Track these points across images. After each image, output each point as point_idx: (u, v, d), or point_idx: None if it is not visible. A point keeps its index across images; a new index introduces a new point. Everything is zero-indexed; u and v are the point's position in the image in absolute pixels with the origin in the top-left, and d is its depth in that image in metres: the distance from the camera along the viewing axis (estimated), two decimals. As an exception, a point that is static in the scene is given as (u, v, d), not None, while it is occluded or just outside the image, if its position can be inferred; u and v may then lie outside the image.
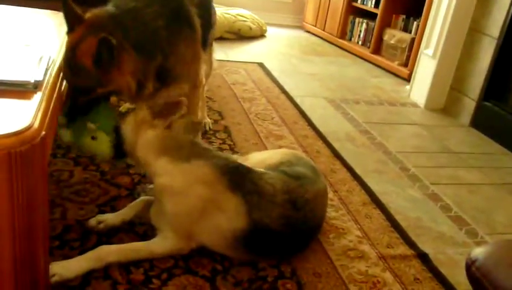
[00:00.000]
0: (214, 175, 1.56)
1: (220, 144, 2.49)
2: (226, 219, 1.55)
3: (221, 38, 4.81)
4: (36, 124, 1.16)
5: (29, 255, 1.21)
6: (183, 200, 1.55)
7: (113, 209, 1.78)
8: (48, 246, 1.29)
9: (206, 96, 3.06)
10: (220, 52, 4.33)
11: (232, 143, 2.51)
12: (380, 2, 4.67)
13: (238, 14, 5.06)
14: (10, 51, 1.52)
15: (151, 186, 1.86)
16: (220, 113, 2.88)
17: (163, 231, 1.58)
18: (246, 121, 2.85)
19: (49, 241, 1.29)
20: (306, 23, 5.86)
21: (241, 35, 4.99)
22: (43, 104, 1.29)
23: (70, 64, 1.60)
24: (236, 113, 2.95)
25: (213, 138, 2.54)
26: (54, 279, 1.37)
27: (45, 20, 2.10)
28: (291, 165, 1.79)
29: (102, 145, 1.62)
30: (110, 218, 1.68)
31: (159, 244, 1.57)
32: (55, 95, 1.43)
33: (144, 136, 1.60)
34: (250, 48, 4.77)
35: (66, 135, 1.65)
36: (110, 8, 1.75)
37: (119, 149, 1.62)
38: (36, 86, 1.33)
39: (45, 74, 1.42)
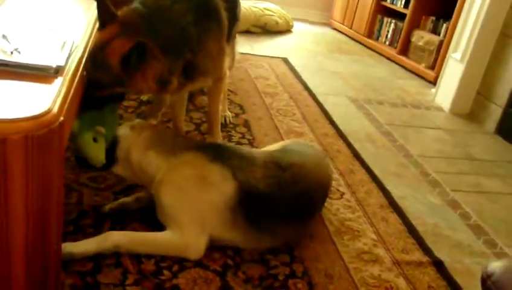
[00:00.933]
0: (194, 154, 1.63)
1: (240, 138, 2.48)
2: (216, 191, 1.57)
3: (247, 32, 4.80)
4: (55, 109, 1.16)
5: (42, 239, 1.21)
6: (176, 188, 1.58)
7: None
8: (62, 230, 1.30)
9: (228, 90, 3.06)
10: (246, 46, 4.32)
11: (251, 138, 2.50)
12: (409, 2, 4.58)
13: (265, 8, 5.03)
14: (34, 35, 1.53)
15: None
16: (241, 107, 2.87)
17: (170, 227, 1.57)
18: (266, 116, 2.83)
19: (62, 226, 1.30)
20: (333, 20, 5.80)
21: (267, 29, 4.96)
22: (64, 89, 1.29)
23: (96, 59, 1.60)
24: (257, 107, 2.93)
25: (233, 131, 2.53)
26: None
27: (73, 5, 2.11)
28: (287, 146, 1.88)
29: (100, 150, 1.63)
30: (125, 199, 1.74)
31: (167, 237, 1.56)
32: (76, 81, 1.44)
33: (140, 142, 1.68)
34: (276, 43, 4.74)
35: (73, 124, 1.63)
36: (139, 6, 1.74)
37: (110, 158, 1.67)
38: (57, 71, 1.34)
39: (67, 60, 1.43)
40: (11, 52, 1.34)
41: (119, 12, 1.70)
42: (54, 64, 1.33)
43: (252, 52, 4.16)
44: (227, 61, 2.15)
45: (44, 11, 1.99)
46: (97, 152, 1.62)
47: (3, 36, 1.39)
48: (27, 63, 1.31)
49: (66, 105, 1.26)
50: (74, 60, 1.49)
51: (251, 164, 1.63)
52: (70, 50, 1.50)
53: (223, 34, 2.02)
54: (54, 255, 1.28)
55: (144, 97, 2.64)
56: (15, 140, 1.06)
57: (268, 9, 5.05)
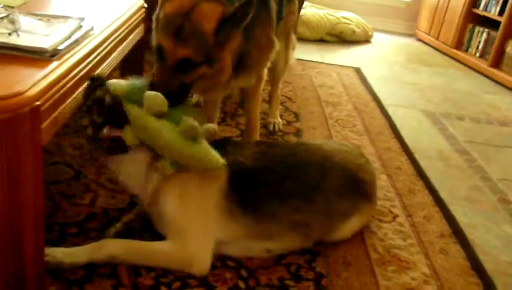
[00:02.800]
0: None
1: (287, 147, 2.24)
2: (207, 179, 1.40)
3: (321, 41, 4.57)
4: (30, 93, 1.03)
5: (13, 238, 1.08)
6: (177, 193, 1.39)
7: (146, 203, 1.64)
8: (42, 230, 1.16)
9: (286, 96, 2.87)
10: (316, 54, 4.09)
11: (300, 147, 2.26)
12: (505, 9, 4.09)
13: (342, 17, 4.76)
14: (48, 20, 1.43)
15: None
16: (296, 115, 2.64)
17: (172, 237, 1.38)
18: (323, 125, 2.58)
19: (43, 226, 1.15)
20: (419, 30, 5.39)
21: (343, 38, 4.68)
22: (55, 74, 1.17)
23: (181, 30, 1.42)
24: (314, 116, 2.68)
25: (279, 140, 2.31)
26: (46, 258, 1.22)
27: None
28: None
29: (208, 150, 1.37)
30: (128, 217, 1.51)
31: (169, 248, 1.36)
32: (82, 67, 1.32)
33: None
34: (350, 52, 4.45)
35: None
36: None
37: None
38: (54, 54, 1.22)
39: (71, 44, 1.31)
40: (9, 34, 1.24)
41: None
42: (50, 47, 1.21)
43: (321, 61, 3.91)
44: (269, 61, 1.93)
45: (83, 1, 1.92)
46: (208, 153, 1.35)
47: (9, 18, 1.30)
48: (20, 45, 1.20)
49: (53, 90, 1.13)
50: (85, 46, 1.38)
51: (242, 148, 1.51)
52: (82, 36, 1.39)
53: (272, 25, 1.82)
54: (31, 257, 1.14)
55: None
56: (-29, 122, 0.93)
57: (345, 18, 4.77)
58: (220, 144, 1.43)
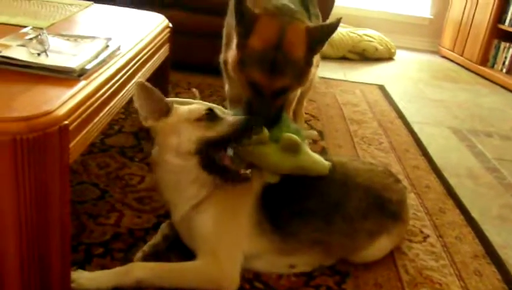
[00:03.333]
0: None
1: (312, 165, 2.21)
2: (243, 192, 1.39)
3: (343, 58, 4.55)
4: (59, 112, 1.03)
5: (39, 257, 1.07)
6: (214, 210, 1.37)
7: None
8: (69, 250, 1.15)
9: (310, 114, 2.84)
10: (339, 72, 4.07)
11: (325, 166, 2.22)
12: (531, 24, 4.03)
13: (364, 34, 4.75)
14: (76, 40, 1.45)
15: None
16: (320, 133, 2.61)
17: (202, 254, 1.35)
18: (348, 143, 2.54)
19: (70, 247, 1.14)
20: (442, 47, 5.33)
21: (366, 56, 4.66)
22: (83, 93, 1.17)
23: (275, 64, 1.45)
24: (339, 134, 2.65)
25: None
26: (72, 285, 1.21)
27: (138, 19, 2.05)
28: None
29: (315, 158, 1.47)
30: (155, 240, 1.49)
31: (198, 266, 1.33)
32: (109, 86, 1.32)
33: None
34: (373, 70, 4.42)
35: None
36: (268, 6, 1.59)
37: None
38: (81, 74, 1.22)
39: (98, 64, 1.31)
40: (38, 54, 1.26)
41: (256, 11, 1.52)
42: (77, 66, 1.22)
43: (344, 79, 3.89)
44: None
45: (109, 21, 1.95)
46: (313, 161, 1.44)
47: (38, 39, 1.32)
48: (48, 65, 1.21)
49: (81, 109, 1.14)
50: (112, 66, 1.39)
51: None
52: (109, 56, 1.40)
53: None
54: (58, 275, 1.13)
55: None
56: (1, 141, 0.93)
57: (368, 36, 4.75)
58: None
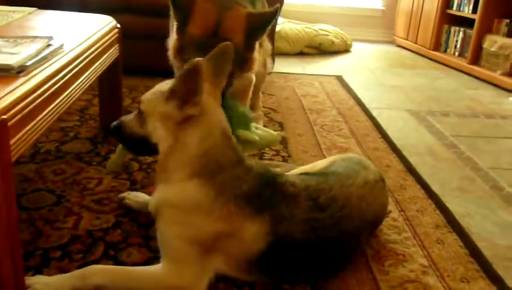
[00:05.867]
0: (230, 204, 1.24)
1: (273, 155, 2.21)
2: (243, 246, 1.24)
3: (301, 54, 4.59)
4: (-5, 107, 1.00)
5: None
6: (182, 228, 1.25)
7: (132, 221, 1.59)
8: (20, 253, 1.11)
9: (269, 108, 2.85)
10: (297, 67, 4.10)
11: (286, 154, 2.23)
12: (478, 6, 4.15)
13: (320, 29, 4.80)
14: (16, 40, 1.41)
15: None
16: (280, 124, 2.62)
17: (165, 259, 1.26)
18: (308, 132, 2.55)
19: (21, 248, 1.11)
20: (397, 36, 5.44)
21: (323, 50, 4.71)
22: (23, 89, 1.14)
23: (214, 47, 1.36)
24: (299, 124, 2.66)
25: (266, 149, 2.27)
26: (26, 292, 1.16)
27: (83, 22, 2.02)
28: (331, 166, 1.49)
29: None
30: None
31: (160, 274, 1.25)
32: (52, 83, 1.29)
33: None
34: (331, 62, 4.47)
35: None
36: None
37: None
38: (20, 71, 1.19)
39: (39, 61, 1.28)
40: (-26, 54, 1.22)
41: None
42: (16, 64, 1.19)
43: (303, 72, 3.92)
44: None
45: (53, 24, 1.91)
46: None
47: (-26, 40, 1.28)
48: (-16, 63, 1.17)
49: (21, 105, 1.10)
50: (55, 63, 1.35)
51: (294, 206, 1.27)
52: (51, 54, 1.37)
53: None
54: (10, 289, 1.08)
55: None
56: None
57: (323, 30, 4.81)
58: (269, 199, 1.27)
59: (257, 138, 1.53)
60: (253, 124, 1.57)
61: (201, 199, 1.23)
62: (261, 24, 1.52)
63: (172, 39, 1.53)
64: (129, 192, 1.70)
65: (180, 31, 1.47)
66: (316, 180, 1.35)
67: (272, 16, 1.52)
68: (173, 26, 1.76)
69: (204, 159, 1.25)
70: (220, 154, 1.26)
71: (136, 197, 1.67)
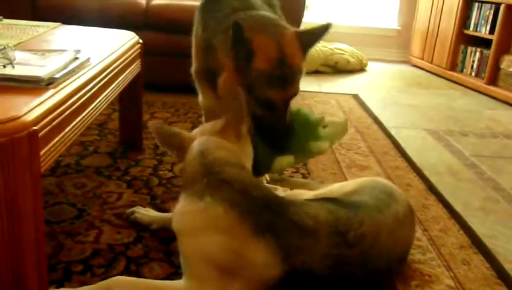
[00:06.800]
0: (233, 218, 1.19)
1: (293, 172, 2.20)
2: (253, 272, 1.18)
3: (316, 72, 4.59)
4: (27, 117, 1.00)
5: (14, 276, 1.02)
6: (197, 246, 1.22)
7: (153, 236, 1.58)
8: (46, 267, 1.10)
9: (287, 125, 2.83)
10: (313, 85, 4.10)
11: (306, 172, 2.21)
12: (495, 27, 4.14)
13: (336, 48, 4.81)
14: (45, 55, 1.42)
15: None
16: (299, 142, 2.60)
17: (186, 275, 1.24)
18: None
19: (46, 262, 1.10)
20: (412, 56, 5.44)
21: (338, 68, 4.71)
22: (53, 100, 1.14)
23: (285, 79, 1.46)
24: (317, 142, 2.65)
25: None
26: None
27: (109, 36, 2.04)
28: (360, 193, 1.44)
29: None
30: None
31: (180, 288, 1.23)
32: (80, 95, 1.30)
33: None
34: (347, 81, 4.47)
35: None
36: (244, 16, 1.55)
37: None
38: (50, 83, 1.20)
39: (68, 74, 1.29)
40: (4, 66, 1.23)
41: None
42: (46, 75, 1.19)
43: (319, 90, 3.92)
44: None
45: (78, 38, 1.93)
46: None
47: (3, 52, 1.29)
48: (15, 75, 1.18)
49: (51, 117, 1.10)
50: (82, 76, 1.36)
51: (312, 239, 1.21)
52: (78, 65, 1.37)
53: None
54: (35, 291, 1.08)
55: None
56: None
57: (339, 49, 4.82)
58: (282, 226, 1.20)
59: (327, 145, 1.63)
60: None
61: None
62: (312, 41, 1.54)
63: (225, 77, 1.51)
64: (138, 206, 1.69)
65: (243, 68, 1.45)
66: (346, 213, 1.29)
67: (323, 32, 1.53)
68: (196, 48, 1.73)
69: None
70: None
71: (146, 211, 1.66)
